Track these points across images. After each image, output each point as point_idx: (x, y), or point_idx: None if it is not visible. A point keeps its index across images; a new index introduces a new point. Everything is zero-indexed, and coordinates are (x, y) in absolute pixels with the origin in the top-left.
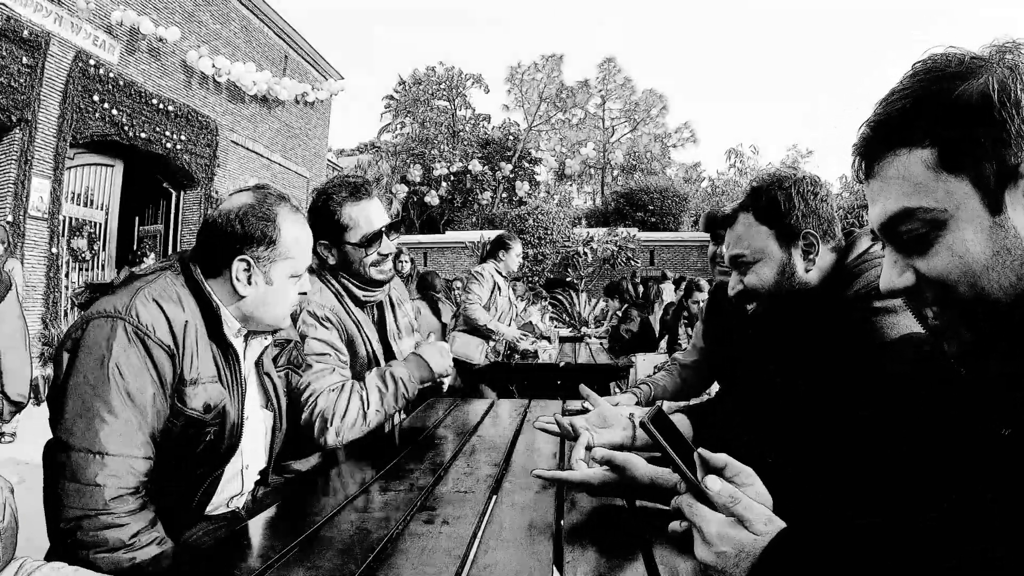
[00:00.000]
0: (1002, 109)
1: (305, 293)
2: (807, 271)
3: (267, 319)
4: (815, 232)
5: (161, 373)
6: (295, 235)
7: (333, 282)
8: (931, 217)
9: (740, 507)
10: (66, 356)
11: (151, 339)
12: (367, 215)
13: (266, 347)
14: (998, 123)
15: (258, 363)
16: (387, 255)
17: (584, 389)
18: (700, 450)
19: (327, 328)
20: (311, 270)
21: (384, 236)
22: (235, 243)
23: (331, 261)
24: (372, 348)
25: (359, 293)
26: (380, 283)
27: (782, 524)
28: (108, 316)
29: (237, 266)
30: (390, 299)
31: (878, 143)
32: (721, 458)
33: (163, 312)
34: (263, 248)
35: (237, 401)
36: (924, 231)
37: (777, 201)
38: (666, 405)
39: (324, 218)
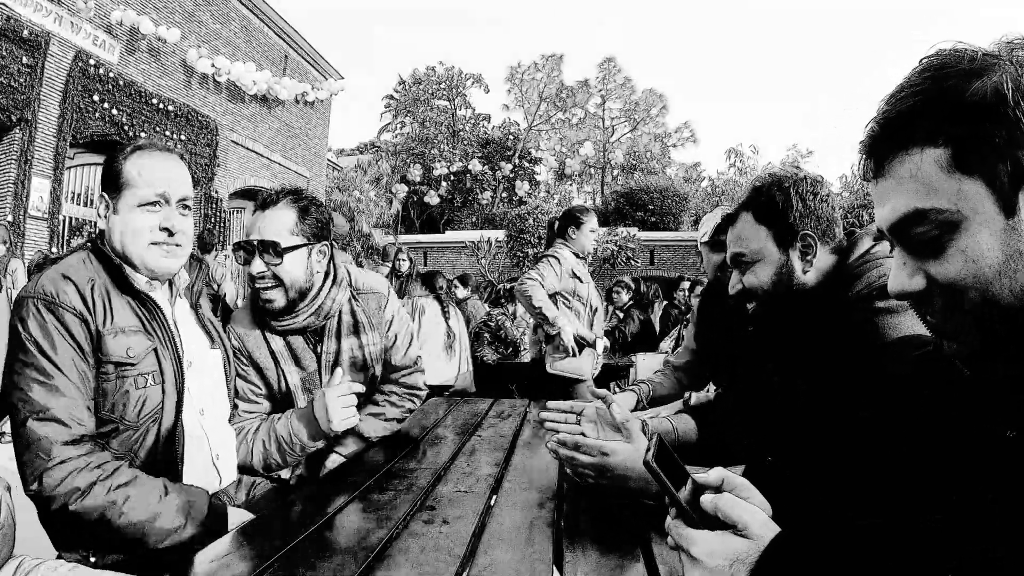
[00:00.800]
0: (1016, 107)
1: (169, 229)
2: (804, 272)
3: (129, 254)
4: (813, 233)
5: (74, 334)
6: (140, 166)
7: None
8: (944, 219)
9: (732, 510)
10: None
11: (58, 307)
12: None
13: (196, 288)
14: (1012, 121)
15: (195, 307)
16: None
17: (600, 392)
18: (694, 476)
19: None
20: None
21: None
22: (100, 188)
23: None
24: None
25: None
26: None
27: (776, 528)
28: (22, 299)
29: (96, 204)
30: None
31: (888, 141)
32: (715, 475)
33: (68, 279)
34: (110, 182)
35: (170, 347)
36: (936, 233)
37: (776, 201)
38: (668, 409)
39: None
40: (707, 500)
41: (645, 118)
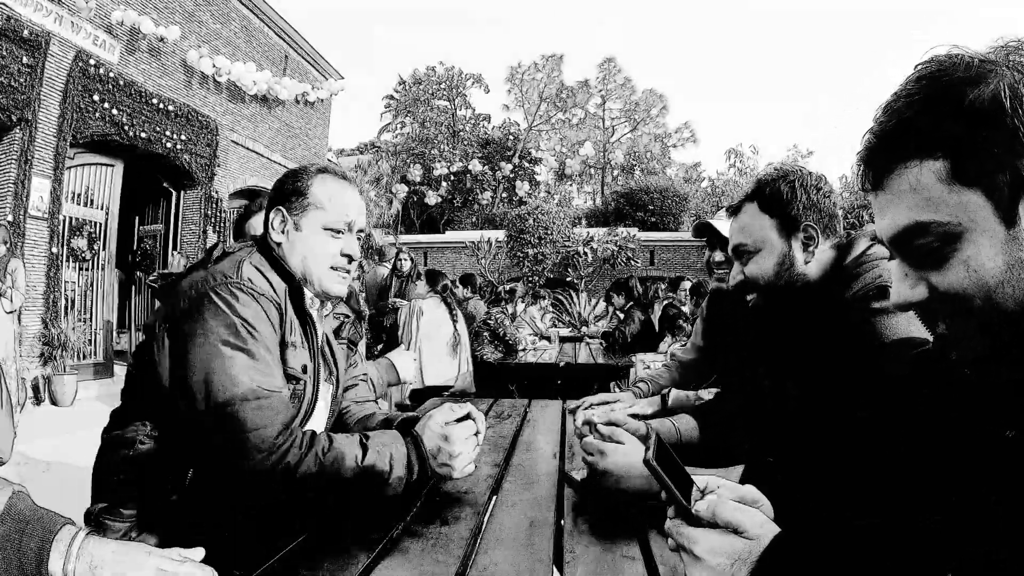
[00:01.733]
0: (1014, 115)
1: (350, 256)
2: (806, 263)
3: (306, 274)
4: (815, 225)
5: (274, 325)
6: (329, 191)
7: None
8: (945, 231)
9: (730, 514)
10: (183, 329)
11: (265, 297)
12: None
13: (326, 314)
14: (1010, 130)
15: (324, 336)
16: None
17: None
18: (697, 480)
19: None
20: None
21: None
22: (273, 203)
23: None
24: None
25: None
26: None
27: (776, 528)
28: (222, 284)
29: (273, 217)
30: None
31: (886, 153)
32: (714, 481)
33: (265, 277)
34: (294, 198)
35: (314, 369)
36: (937, 245)
37: (780, 192)
38: (679, 394)
39: (278, 191)
40: (703, 506)
41: (645, 118)
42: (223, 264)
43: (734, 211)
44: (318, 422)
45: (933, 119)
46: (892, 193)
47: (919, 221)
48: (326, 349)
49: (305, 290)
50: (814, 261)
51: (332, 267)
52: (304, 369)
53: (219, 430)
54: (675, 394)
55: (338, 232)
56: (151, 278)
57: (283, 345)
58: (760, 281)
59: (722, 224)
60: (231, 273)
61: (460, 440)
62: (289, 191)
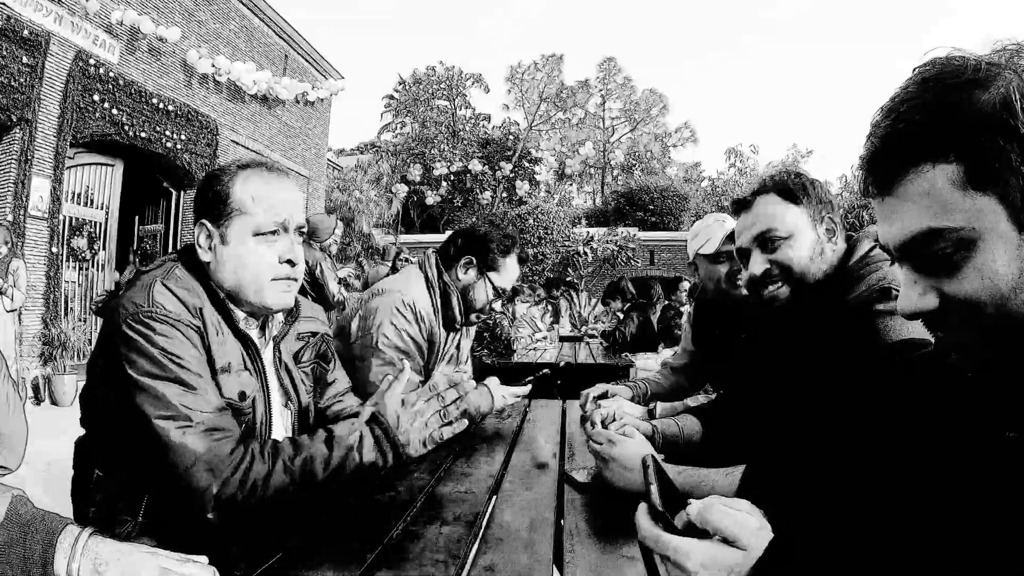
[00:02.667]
0: None
1: (291, 261)
2: (832, 252)
3: (241, 291)
4: (834, 217)
5: (198, 348)
6: (252, 191)
7: (436, 294)
8: (959, 237)
9: (719, 519)
10: (110, 365)
11: (181, 323)
12: (513, 274)
13: (281, 335)
14: (1021, 135)
15: (277, 358)
16: (494, 312)
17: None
18: (692, 504)
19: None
20: (426, 275)
21: (502, 298)
22: (197, 213)
23: (460, 278)
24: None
25: (457, 317)
26: (472, 323)
27: (768, 536)
28: (132, 315)
29: (197, 232)
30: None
31: (895, 158)
32: (712, 501)
33: (180, 300)
34: (215, 206)
35: (264, 394)
36: (951, 251)
37: (800, 183)
38: (666, 406)
39: (484, 247)
40: (693, 510)
41: (645, 118)
42: (133, 291)
43: (744, 204)
44: None
45: (944, 123)
46: (902, 198)
47: (932, 227)
48: (282, 374)
49: (235, 310)
50: (827, 256)
51: (273, 278)
52: (242, 396)
53: (169, 464)
54: (661, 407)
55: (272, 234)
56: (97, 298)
57: (213, 372)
58: (795, 267)
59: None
60: (140, 301)
61: (420, 404)
62: (209, 198)
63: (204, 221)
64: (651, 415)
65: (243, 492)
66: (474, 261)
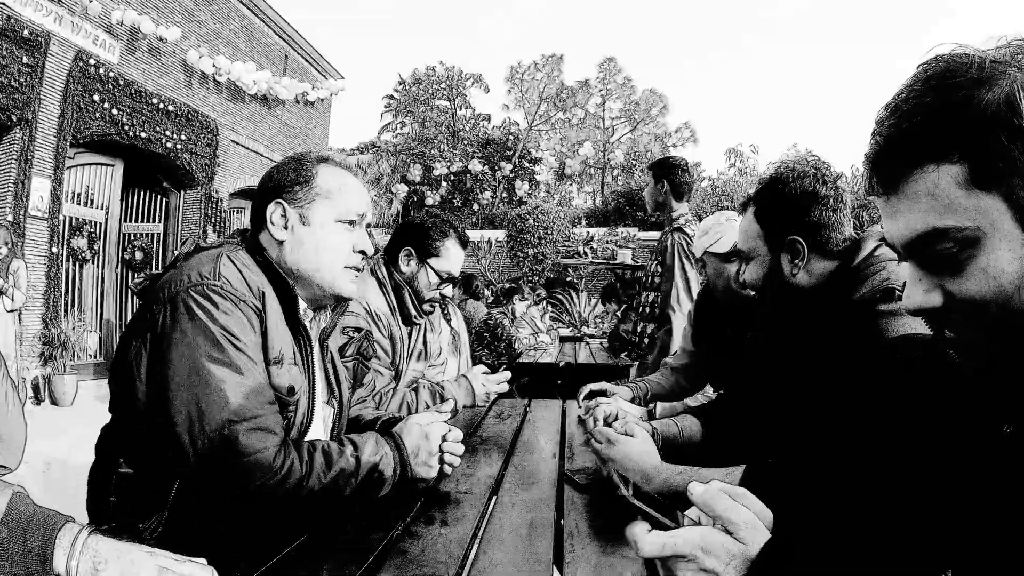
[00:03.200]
0: None
1: (364, 252)
2: (793, 275)
3: (316, 274)
4: (802, 241)
5: (256, 332)
6: (338, 180)
7: (390, 292)
8: (964, 236)
9: (723, 508)
10: (161, 344)
11: (245, 303)
12: (455, 258)
13: (329, 328)
14: None
15: (325, 352)
16: (445, 299)
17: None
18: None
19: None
20: (376, 274)
21: (450, 283)
22: (270, 193)
23: (403, 270)
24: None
25: (411, 312)
26: (427, 313)
27: (765, 531)
28: (196, 285)
29: (272, 210)
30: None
31: (899, 157)
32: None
33: (245, 280)
34: (297, 188)
35: (309, 389)
36: (955, 250)
37: (767, 204)
38: (666, 406)
39: (420, 235)
40: (698, 490)
41: (645, 118)
42: (197, 261)
43: (742, 209)
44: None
45: (949, 122)
46: (906, 198)
47: (937, 227)
48: (328, 367)
49: (299, 297)
50: (803, 272)
51: (346, 266)
52: (291, 391)
53: (213, 456)
54: (661, 407)
55: (351, 224)
56: (136, 280)
57: (266, 361)
58: (752, 287)
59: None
60: (207, 273)
61: (438, 439)
62: (290, 180)
63: (281, 200)
64: (651, 415)
65: (277, 493)
66: (412, 251)
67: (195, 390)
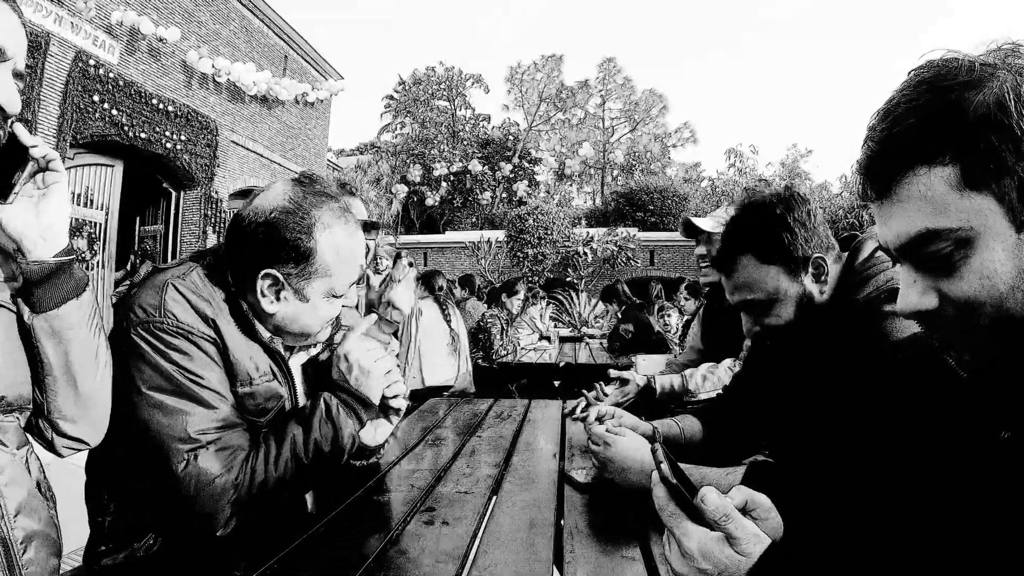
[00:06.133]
0: (1020, 119)
1: (338, 317)
2: (822, 293)
3: (297, 335)
4: (823, 255)
5: (216, 361)
6: (338, 248)
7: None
8: (957, 237)
9: (731, 525)
10: (120, 375)
11: (194, 335)
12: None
13: (315, 355)
14: (1016, 135)
15: (306, 364)
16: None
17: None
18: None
19: None
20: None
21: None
22: (260, 256)
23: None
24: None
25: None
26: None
27: (767, 540)
28: (142, 323)
29: (262, 283)
30: None
31: (891, 160)
32: (739, 494)
33: (192, 307)
34: (294, 263)
35: (292, 401)
36: (949, 251)
37: (776, 236)
38: (664, 379)
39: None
40: (714, 496)
41: (645, 118)
42: (144, 292)
43: (726, 268)
44: None
45: (939, 125)
46: (900, 201)
47: (930, 228)
48: (310, 379)
49: (260, 329)
50: (828, 287)
51: (328, 321)
52: (263, 411)
53: (176, 489)
54: (661, 380)
55: (340, 294)
56: (117, 290)
57: (233, 386)
58: (782, 325)
59: (703, 221)
60: (152, 308)
61: (363, 353)
62: (288, 250)
63: (274, 272)
64: (651, 390)
65: (238, 503)
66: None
67: (154, 423)
